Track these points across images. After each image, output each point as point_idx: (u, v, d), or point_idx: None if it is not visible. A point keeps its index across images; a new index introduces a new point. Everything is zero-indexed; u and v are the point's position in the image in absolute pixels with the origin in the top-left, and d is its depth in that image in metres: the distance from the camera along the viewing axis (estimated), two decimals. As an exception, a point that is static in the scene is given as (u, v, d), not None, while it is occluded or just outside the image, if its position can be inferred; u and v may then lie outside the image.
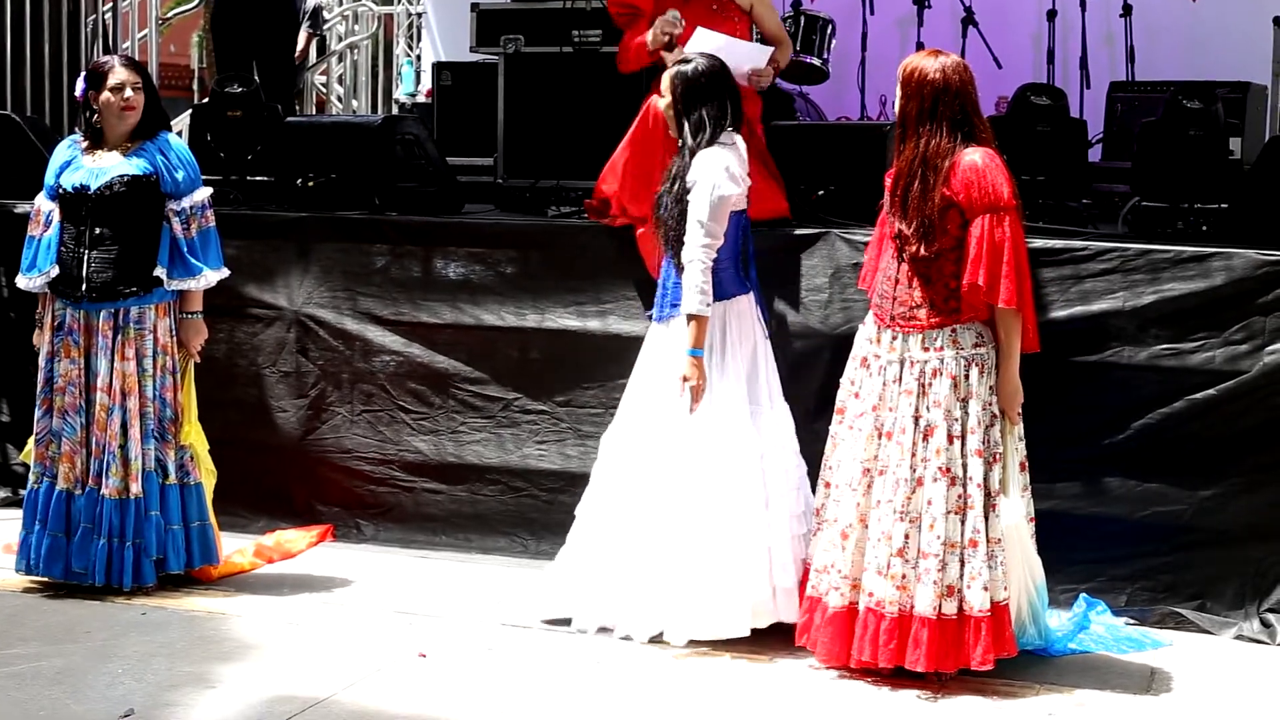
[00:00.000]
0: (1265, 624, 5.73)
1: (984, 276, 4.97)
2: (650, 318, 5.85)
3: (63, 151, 6.12)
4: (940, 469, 5.04)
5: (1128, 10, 9.69)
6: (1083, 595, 5.73)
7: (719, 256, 5.52)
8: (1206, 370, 5.85)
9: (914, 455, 5.08)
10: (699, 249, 5.48)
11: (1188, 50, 9.85)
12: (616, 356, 6.43)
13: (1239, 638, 5.73)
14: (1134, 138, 7.06)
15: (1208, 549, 5.85)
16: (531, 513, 6.71)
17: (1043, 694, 5.13)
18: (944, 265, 5.09)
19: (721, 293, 5.57)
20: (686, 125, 5.66)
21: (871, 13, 9.67)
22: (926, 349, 5.10)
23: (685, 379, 5.48)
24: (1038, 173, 6.65)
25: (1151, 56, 9.65)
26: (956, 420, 5.06)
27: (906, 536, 5.06)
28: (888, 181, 5.28)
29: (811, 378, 6.15)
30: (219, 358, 6.81)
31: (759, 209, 6.07)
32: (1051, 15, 9.77)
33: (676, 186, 5.61)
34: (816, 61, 9.10)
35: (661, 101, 5.81)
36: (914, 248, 5.08)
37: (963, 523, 5.04)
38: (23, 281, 6.13)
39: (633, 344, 6.44)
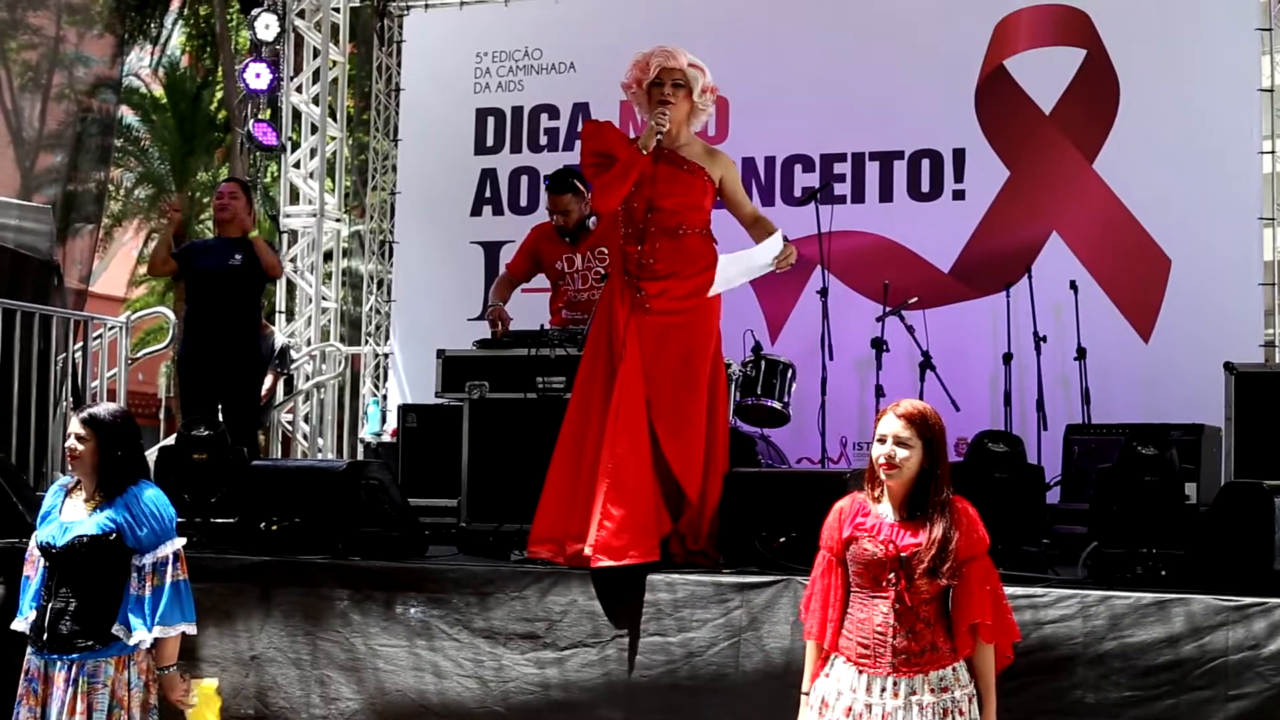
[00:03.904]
0: None
1: (992, 615, 5.13)
2: None
3: (48, 499, 6.14)
4: None
5: (1082, 353, 9.95)
6: None
7: None
8: (1171, 718, 5.80)
9: None
10: None
11: (1142, 392, 10.10)
12: (570, 708, 6.41)
13: None
14: (1091, 481, 7.13)
15: None
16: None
17: None
18: (937, 607, 5.16)
19: None
20: None
21: (831, 358, 9.86)
22: (934, 690, 5.12)
23: None
24: (996, 518, 6.66)
25: (1106, 397, 9.88)
26: None
27: None
28: (831, 531, 5.36)
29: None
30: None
31: None
32: (1007, 359, 10.00)
33: None
34: (778, 405, 9.27)
35: None
36: (923, 594, 5.12)
37: None
38: (15, 624, 6.09)
39: (590, 693, 6.42)
